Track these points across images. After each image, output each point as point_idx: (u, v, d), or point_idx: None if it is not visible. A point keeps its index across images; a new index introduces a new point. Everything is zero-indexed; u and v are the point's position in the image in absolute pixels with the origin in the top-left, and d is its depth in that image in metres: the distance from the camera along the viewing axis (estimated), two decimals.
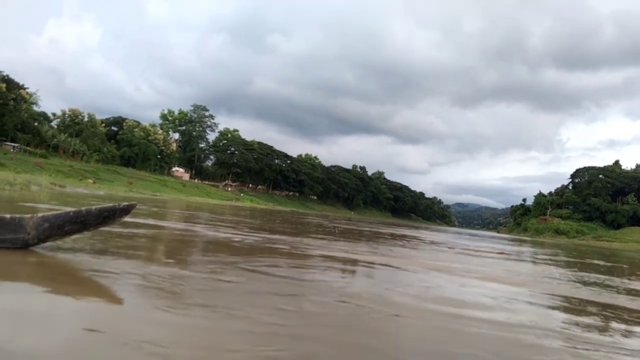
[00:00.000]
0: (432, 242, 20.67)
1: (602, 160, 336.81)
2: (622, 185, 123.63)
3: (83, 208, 5.35)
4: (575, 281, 9.12)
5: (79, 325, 2.88)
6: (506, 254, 16.97)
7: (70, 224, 5.23)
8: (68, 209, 5.49)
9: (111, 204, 5.41)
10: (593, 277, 10.56)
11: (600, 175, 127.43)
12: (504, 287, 6.97)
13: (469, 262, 11.08)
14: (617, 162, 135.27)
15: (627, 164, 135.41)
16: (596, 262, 18.44)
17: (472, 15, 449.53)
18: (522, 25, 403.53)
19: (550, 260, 16.83)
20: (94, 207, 5.34)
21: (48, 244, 5.37)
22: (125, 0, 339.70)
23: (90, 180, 53.48)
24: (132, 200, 31.51)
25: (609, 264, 17.69)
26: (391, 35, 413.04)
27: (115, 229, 8.23)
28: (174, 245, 7.96)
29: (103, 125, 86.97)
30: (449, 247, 16.64)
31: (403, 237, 22.87)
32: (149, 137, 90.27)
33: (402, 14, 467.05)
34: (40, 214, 5.18)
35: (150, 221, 12.72)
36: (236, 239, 10.02)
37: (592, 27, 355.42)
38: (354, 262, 8.30)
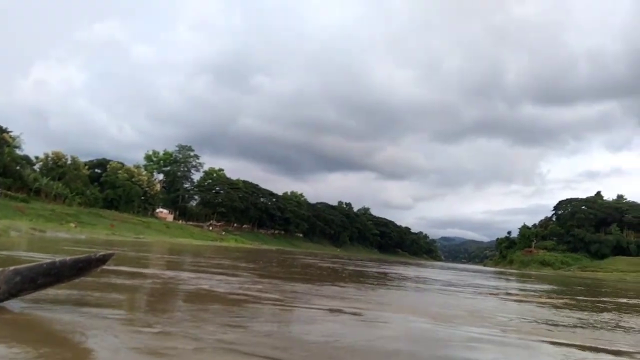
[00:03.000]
0: (464, 285, 19.84)
1: (584, 191, 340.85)
2: (605, 215, 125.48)
3: (57, 259, 5.22)
4: None
5: None
6: (559, 298, 15.70)
7: (44, 276, 5.06)
8: (45, 257, 5.39)
9: (86, 255, 5.28)
10: None
11: (583, 207, 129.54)
12: None
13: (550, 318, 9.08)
14: (598, 193, 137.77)
15: (609, 195, 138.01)
16: None
17: (451, 54, 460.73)
18: (500, 63, 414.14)
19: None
20: (68, 258, 5.19)
21: (20, 298, 5.24)
22: (111, 43, 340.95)
23: (72, 224, 52.71)
24: (115, 243, 31.15)
25: None
26: (373, 74, 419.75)
27: (93, 278, 8.12)
28: (154, 298, 7.78)
29: (86, 167, 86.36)
30: (491, 294, 15.57)
31: (422, 279, 21.94)
32: (133, 179, 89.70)
33: (383, 54, 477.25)
34: (12, 267, 5.04)
35: (131, 268, 12.51)
36: (224, 290, 9.88)
37: (567, 64, 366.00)
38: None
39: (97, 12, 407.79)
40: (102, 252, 5.35)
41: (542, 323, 7.89)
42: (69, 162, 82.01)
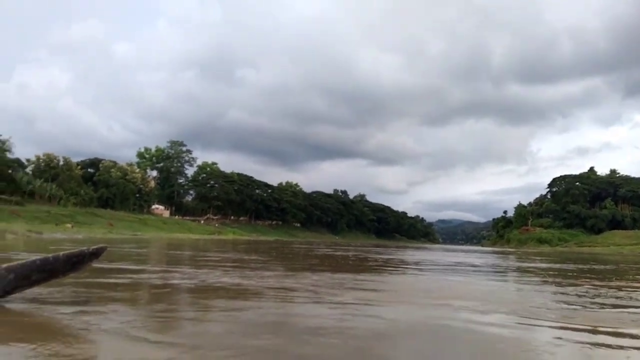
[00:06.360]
0: (490, 267, 19.39)
1: (577, 168, 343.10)
2: (599, 190, 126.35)
3: (50, 255, 5.10)
4: None
5: None
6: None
7: (38, 272, 4.96)
8: (37, 256, 5.21)
9: (79, 249, 5.17)
10: None
11: (577, 183, 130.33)
12: None
13: None
14: (592, 169, 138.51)
15: (602, 170, 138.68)
16: None
17: (435, 38, 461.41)
18: (483, 44, 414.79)
19: None
20: (61, 254, 5.08)
21: (15, 295, 5.08)
22: (92, 43, 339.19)
23: (69, 225, 52.39)
24: (113, 241, 30.95)
25: None
26: (357, 62, 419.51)
27: (97, 276, 7.94)
28: (153, 294, 7.58)
29: (79, 167, 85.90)
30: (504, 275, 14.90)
31: (466, 265, 21.17)
32: (127, 177, 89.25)
33: (365, 40, 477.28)
34: (4, 265, 4.92)
35: (127, 265, 12.32)
36: (238, 283, 9.70)
37: (549, 42, 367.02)
38: None
39: (75, 12, 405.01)
40: (95, 247, 5.23)
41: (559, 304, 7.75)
42: (61, 163, 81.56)
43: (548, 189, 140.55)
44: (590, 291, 9.47)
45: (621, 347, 4.40)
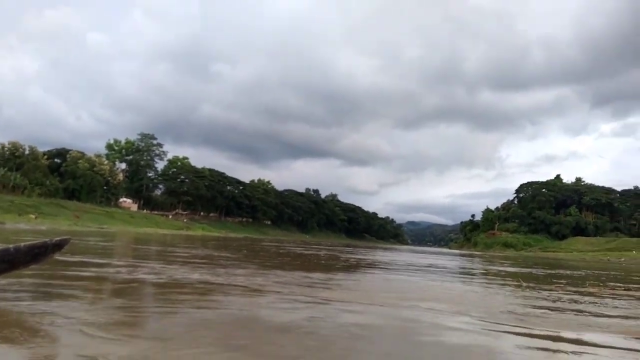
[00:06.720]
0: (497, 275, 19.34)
1: (544, 175, 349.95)
2: (564, 197, 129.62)
3: (11, 245, 4.90)
4: None
5: None
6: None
7: None
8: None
9: (42, 240, 4.98)
10: None
11: (543, 190, 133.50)
12: None
13: None
14: (558, 176, 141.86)
15: (568, 178, 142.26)
16: None
17: (411, 43, 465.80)
18: (458, 51, 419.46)
19: None
20: (22, 244, 4.88)
21: None
22: (65, 31, 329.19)
23: (32, 216, 50.99)
24: (78, 233, 30.25)
25: None
26: (334, 62, 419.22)
27: (62, 269, 7.71)
28: (117, 289, 7.40)
29: (45, 157, 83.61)
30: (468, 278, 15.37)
31: (436, 267, 21.26)
32: (94, 168, 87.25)
33: (344, 42, 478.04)
34: None
35: (91, 259, 12.04)
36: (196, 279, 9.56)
37: (522, 51, 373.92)
38: None
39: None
40: (59, 238, 5.07)
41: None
42: (26, 152, 79.36)
43: (515, 195, 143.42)
44: (562, 297, 9.65)
45: (582, 354, 4.47)
